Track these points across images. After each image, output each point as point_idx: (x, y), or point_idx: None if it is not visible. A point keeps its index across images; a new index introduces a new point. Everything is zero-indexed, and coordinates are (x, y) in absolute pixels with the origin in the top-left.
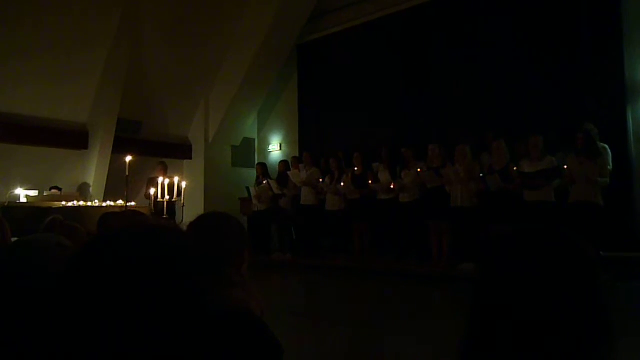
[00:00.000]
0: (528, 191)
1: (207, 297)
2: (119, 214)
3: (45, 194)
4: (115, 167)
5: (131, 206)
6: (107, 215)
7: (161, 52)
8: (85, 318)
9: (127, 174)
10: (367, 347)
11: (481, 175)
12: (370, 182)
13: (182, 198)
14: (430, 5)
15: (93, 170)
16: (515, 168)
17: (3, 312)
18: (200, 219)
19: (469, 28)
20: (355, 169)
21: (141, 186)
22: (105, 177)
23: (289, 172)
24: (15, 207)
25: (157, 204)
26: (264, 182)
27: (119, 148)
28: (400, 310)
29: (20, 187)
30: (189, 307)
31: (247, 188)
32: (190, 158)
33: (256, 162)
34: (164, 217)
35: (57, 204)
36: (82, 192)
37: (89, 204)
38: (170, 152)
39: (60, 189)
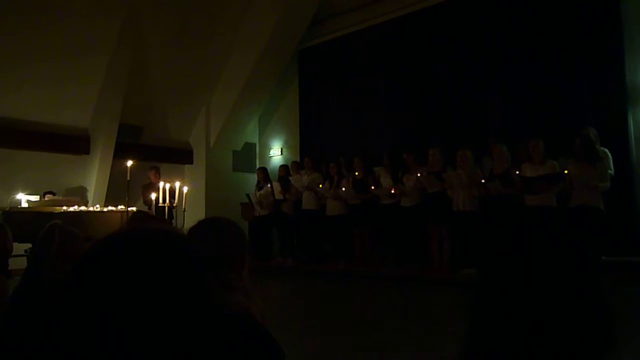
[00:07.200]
0: (529, 196)
1: (208, 302)
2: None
3: (46, 199)
4: (117, 172)
5: (132, 211)
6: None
7: (163, 58)
8: (89, 320)
9: (128, 179)
10: (367, 353)
11: (482, 181)
12: (372, 187)
13: (183, 203)
14: (431, 10)
15: (94, 175)
16: (517, 172)
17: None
18: (200, 224)
19: (469, 33)
20: (356, 173)
21: (140, 191)
22: (107, 182)
23: (290, 177)
24: (16, 212)
25: (158, 209)
26: (267, 185)
27: (120, 153)
28: (402, 315)
29: (22, 192)
30: (190, 311)
31: (248, 195)
32: (192, 163)
33: (257, 167)
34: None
35: (58, 209)
36: (84, 197)
37: (91, 208)
38: (172, 157)
39: (54, 194)
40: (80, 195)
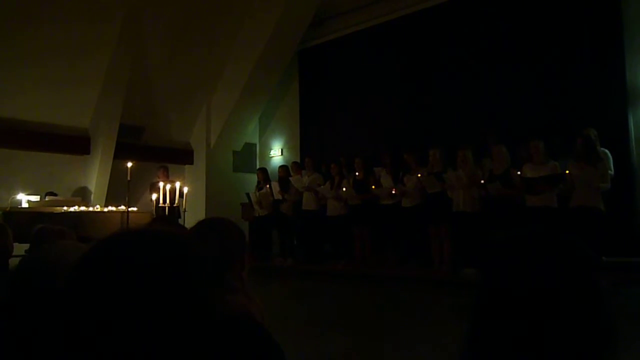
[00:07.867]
0: (530, 196)
1: (209, 303)
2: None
3: (46, 199)
4: (117, 172)
5: (133, 211)
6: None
7: (163, 58)
8: (88, 321)
9: (128, 179)
10: (368, 353)
11: (482, 182)
12: (373, 187)
13: (184, 203)
14: (431, 10)
15: (95, 175)
16: (518, 173)
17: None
18: (199, 224)
19: (469, 34)
20: (357, 174)
21: (142, 191)
22: (107, 183)
23: (291, 178)
24: (17, 212)
25: (158, 209)
26: (266, 185)
27: (121, 153)
28: (402, 315)
29: (22, 192)
30: (191, 312)
31: (247, 194)
32: (192, 163)
33: (257, 167)
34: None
35: (58, 209)
36: (84, 197)
37: (91, 209)
38: (172, 157)
39: (55, 194)
40: (83, 196)
